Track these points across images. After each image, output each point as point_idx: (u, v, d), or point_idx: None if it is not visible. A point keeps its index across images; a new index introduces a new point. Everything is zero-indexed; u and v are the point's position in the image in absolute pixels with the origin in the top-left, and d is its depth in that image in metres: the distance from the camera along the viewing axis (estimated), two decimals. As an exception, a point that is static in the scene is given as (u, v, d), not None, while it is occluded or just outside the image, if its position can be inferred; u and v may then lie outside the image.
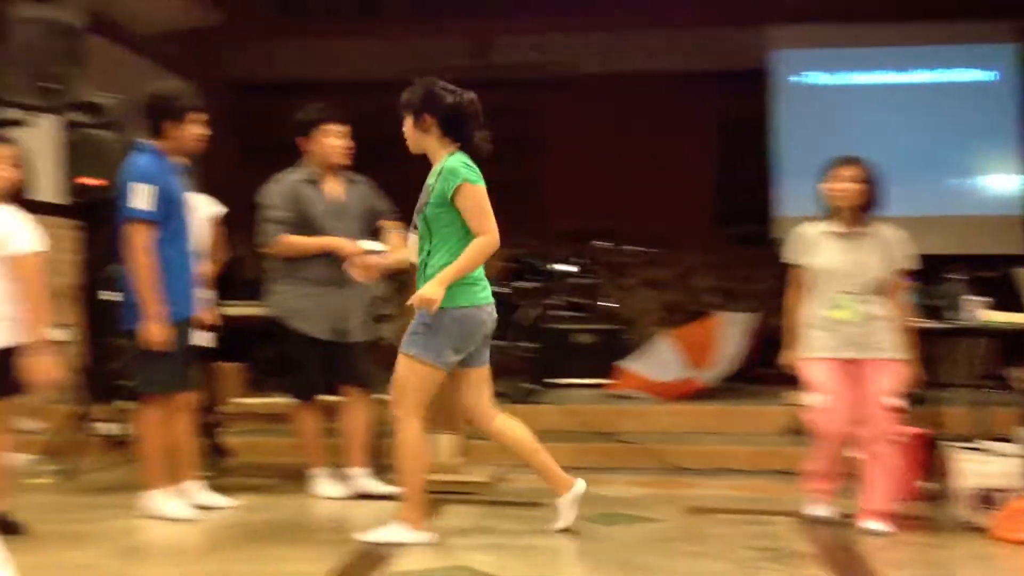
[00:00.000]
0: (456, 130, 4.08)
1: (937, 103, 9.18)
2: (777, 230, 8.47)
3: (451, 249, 3.98)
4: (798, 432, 5.06)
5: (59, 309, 7.19)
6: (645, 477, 5.56)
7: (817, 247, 4.49)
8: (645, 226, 9.64)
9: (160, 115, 4.49)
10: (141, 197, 4.35)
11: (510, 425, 4.28)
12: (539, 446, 4.29)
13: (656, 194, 9.72)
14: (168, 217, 4.42)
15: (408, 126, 4.13)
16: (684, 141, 9.77)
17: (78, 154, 5.69)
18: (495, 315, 4.15)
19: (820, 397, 4.39)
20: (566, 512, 4.32)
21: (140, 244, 4.35)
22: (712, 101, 9.74)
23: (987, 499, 4.30)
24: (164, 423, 4.49)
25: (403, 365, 4.09)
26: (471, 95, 4.15)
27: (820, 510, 4.50)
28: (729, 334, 6.99)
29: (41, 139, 6.80)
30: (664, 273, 9.97)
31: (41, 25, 5.94)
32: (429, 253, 4.04)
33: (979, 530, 4.28)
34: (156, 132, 4.51)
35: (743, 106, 9.44)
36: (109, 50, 7.68)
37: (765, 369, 6.43)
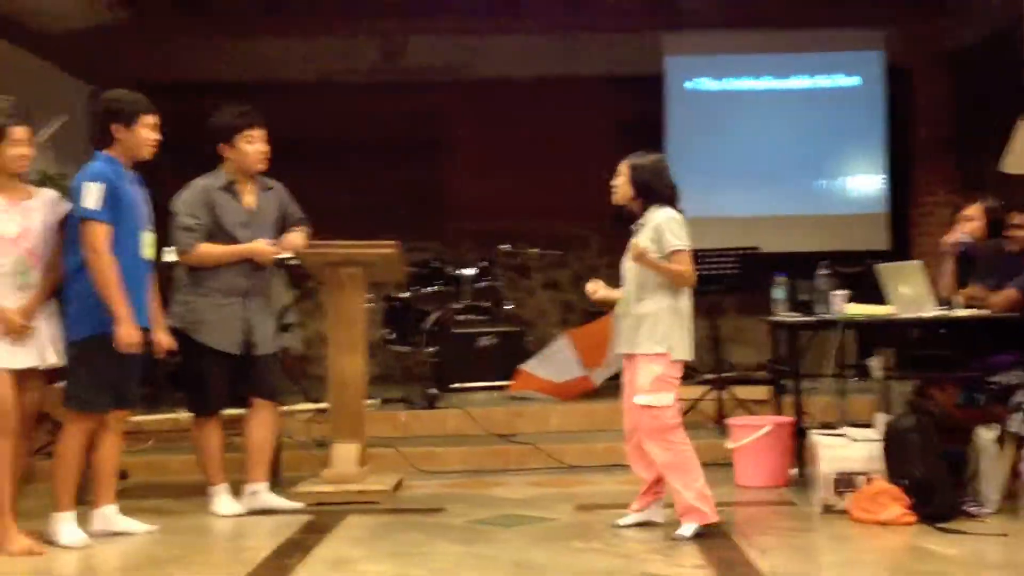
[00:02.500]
0: None
1: (810, 108, 9.66)
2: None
3: None
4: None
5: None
6: (540, 477, 5.77)
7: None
8: (546, 228, 9.90)
9: (109, 119, 4.46)
10: (93, 197, 4.30)
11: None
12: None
13: (556, 197, 9.96)
14: (119, 222, 4.37)
15: None
16: (582, 144, 10.02)
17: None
18: None
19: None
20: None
21: (99, 245, 4.30)
22: (609, 105, 10.04)
23: (847, 483, 4.63)
24: (88, 443, 4.46)
25: None
26: None
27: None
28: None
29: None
30: (563, 275, 10.25)
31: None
32: None
33: (840, 512, 4.60)
34: (106, 136, 4.48)
35: (640, 110, 9.80)
36: (4, 50, 7.57)
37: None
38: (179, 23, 9.36)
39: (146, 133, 4.52)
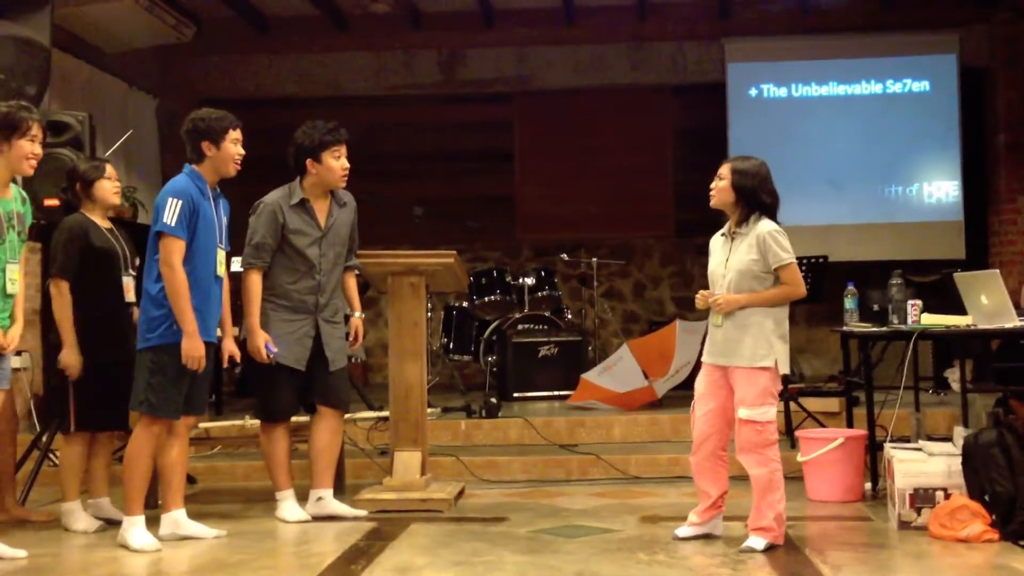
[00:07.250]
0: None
1: (881, 113, 9.51)
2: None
3: None
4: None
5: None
6: (603, 487, 5.71)
7: (712, 251, 4.48)
8: (609, 237, 9.84)
9: (199, 138, 4.56)
10: (171, 212, 4.42)
11: None
12: None
13: (618, 206, 9.93)
14: (195, 239, 4.48)
15: None
16: (645, 153, 9.98)
17: (39, 173, 5.69)
18: None
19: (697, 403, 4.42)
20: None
21: (172, 259, 4.41)
22: (672, 113, 9.98)
23: (925, 498, 4.48)
24: (159, 448, 4.53)
25: None
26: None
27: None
28: (686, 342, 7.11)
29: None
30: (625, 284, 10.18)
31: (8, 42, 5.93)
32: None
33: (918, 529, 4.46)
34: (196, 154, 4.58)
35: (703, 118, 9.72)
36: (76, 68, 7.77)
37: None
38: (243, 40, 9.50)
39: (233, 148, 4.60)
